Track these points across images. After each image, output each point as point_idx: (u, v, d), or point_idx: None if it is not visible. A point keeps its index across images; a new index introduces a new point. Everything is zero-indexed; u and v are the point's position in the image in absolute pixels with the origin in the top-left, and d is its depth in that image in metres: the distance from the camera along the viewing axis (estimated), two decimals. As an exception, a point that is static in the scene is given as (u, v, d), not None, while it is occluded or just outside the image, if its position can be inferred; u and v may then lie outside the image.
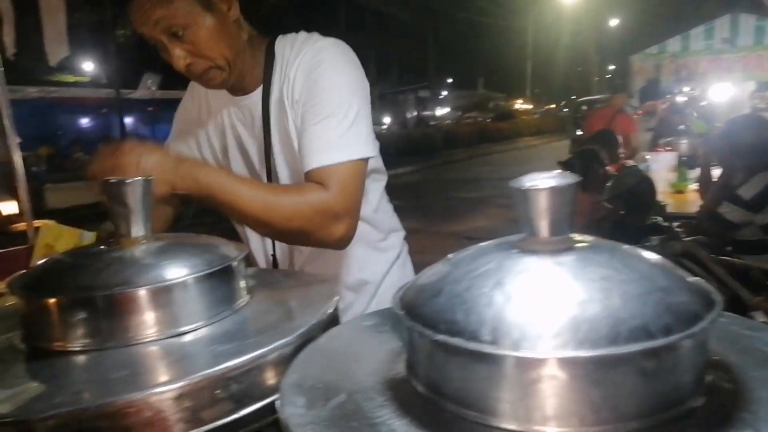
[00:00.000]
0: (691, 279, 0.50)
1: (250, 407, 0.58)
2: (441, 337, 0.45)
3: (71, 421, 0.51)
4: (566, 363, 0.41)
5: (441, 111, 31.56)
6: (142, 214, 0.72)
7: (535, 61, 31.86)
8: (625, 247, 0.53)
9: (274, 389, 0.57)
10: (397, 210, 1.33)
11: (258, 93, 1.16)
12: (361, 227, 1.19)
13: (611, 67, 25.26)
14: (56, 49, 1.41)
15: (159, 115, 24.37)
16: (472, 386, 0.44)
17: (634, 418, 0.42)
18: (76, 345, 0.62)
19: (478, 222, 7.67)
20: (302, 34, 1.17)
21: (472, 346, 0.43)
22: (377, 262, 1.28)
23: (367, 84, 1.13)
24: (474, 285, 0.48)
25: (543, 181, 0.50)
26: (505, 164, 16.16)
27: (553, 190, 0.49)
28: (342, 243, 1.05)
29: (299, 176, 1.08)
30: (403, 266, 1.34)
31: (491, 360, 0.43)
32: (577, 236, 0.52)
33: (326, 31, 1.16)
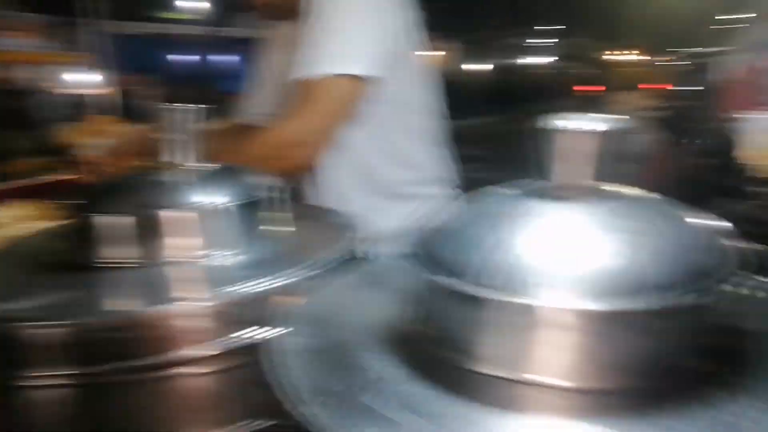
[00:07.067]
0: (728, 241, 0.46)
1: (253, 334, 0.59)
2: (430, 276, 0.44)
3: (84, 331, 0.55)
4: (576, 315, 0.39)
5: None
6: (187, 142, 0.75)
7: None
8: (656, 199, 0.49)
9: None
10: (474, 160, 1.17)
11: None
12: (379, 170, 1.12)
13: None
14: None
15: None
16: (460, 330, 0.43)
17: (637, 375, 0.40)
18: (114, 261, 0.67)
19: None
20: None
21: (457, 285, 0.41)
22: (400, 209, 1.09)
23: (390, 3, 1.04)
24: (479, 227, 0.46)
25: (579, 123, 0.46)
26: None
27: (585, 134, 0.45)
28: (299, 169, 1.03)
29: None
30: None
31: (482, 304, 0.41)
32: (608, 186, 0.48)
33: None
